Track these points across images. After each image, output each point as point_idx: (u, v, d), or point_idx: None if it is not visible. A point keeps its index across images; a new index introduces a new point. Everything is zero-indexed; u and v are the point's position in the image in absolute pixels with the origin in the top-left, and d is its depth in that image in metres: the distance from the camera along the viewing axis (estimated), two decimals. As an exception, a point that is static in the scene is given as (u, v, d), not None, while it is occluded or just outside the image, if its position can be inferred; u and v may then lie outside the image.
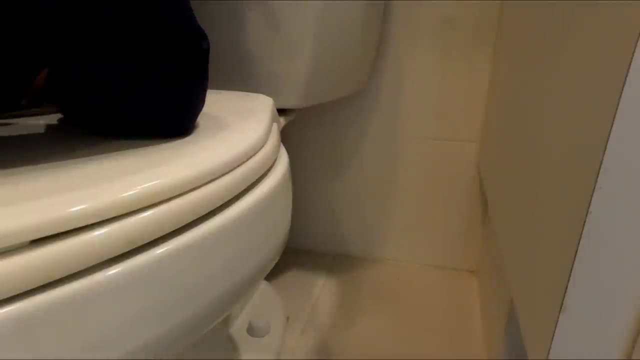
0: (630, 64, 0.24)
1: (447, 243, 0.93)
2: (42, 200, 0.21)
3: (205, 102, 0.34)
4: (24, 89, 0.35)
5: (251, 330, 0.67)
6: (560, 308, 0.29)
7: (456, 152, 0.86)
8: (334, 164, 0.94)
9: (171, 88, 0.30)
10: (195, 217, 0.25)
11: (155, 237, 0.23)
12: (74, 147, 0.30)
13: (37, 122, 0.38)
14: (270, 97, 0.46)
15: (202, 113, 0.35)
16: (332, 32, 0.61)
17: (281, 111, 0.65)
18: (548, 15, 0.41)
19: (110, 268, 0.21)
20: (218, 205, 0.27)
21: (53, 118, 0.40)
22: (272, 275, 0.92)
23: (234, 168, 0.29)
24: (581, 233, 0.27)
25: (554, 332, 0.30)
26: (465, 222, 0.91)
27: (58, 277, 0.20)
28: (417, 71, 0.82)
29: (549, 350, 0.30)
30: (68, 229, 0.20)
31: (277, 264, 0.36)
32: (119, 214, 0.22)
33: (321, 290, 0.87)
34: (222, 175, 0.27)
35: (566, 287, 0.29)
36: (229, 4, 0.59)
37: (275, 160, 0.35)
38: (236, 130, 0.34)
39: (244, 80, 0.63)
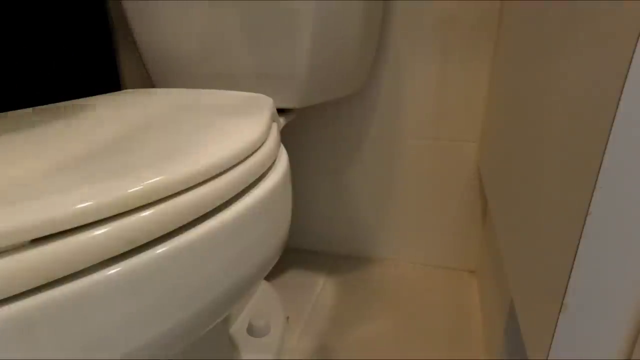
0: (630, 64, 0.24)
1: (447, 243, 0.93)
2: (42, 199, 0.21)
3: (206, 102, 0.34)
4: None
5: (251, 330, 0.67)
6: (561, 307, 0.29)
7: (456, 152, 0.86)
8: (334, 164, 0.94)
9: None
10: (195, 217, 0.25)
11: (155, 236, 0.23)
12: (72, 147, 0.30)
13: (35, 120, 0.38)
14: (270, 97, 0.46)
15: (202, 112, 0.35)
16: (332, 32, 0.61)
17: (281, 111, 0.65)
18: (548, 16, 0.41)
19: (110, 268, 0.21)
20: (218, 204, 0.27)
21: (51, 116, 0.40)
22: (272, 275, 0.92)
23: (233, 167, 0.29)
24: (581, 233, 0.27)
25: (554, 332, 0.30)
26: (465, 222, 0.91)
27: (58, 277, 0.20)
28: (417, 71, 0.82)
29: (549, 350, 0.30)
30: (68, 228, 0.20)
31: (277, 264, 0.36)
32: (119, 212, 0.22)
33: (321, 290, 0.87)
34: (221, 173, 0.27)
35: (566, 287, 0.29)
36: (229, 4, 0.59)
37: (275, 160, 0.35)
38: (235, 130, 0.34)
39: (244, 80, 0.63)
